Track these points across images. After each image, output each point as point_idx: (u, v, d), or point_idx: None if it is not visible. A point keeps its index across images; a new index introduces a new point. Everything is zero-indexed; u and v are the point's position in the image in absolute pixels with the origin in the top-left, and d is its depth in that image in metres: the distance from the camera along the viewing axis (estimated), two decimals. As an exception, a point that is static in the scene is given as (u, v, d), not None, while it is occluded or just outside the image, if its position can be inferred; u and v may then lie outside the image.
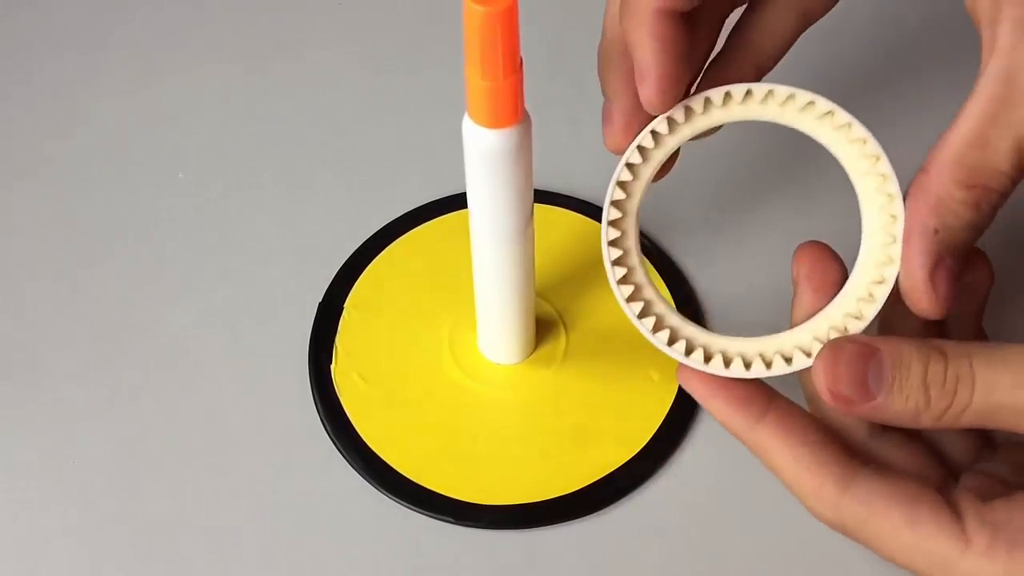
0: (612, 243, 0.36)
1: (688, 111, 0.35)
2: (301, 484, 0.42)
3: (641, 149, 0.36)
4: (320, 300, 0.46)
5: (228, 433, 0.43)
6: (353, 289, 0.47)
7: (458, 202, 0.48)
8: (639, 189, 0.36)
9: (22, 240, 0.49)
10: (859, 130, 0.35)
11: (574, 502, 0.41)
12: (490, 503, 0.41)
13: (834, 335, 0.35)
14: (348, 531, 0.41)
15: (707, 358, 0.36)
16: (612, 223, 0.36)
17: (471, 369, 0.44)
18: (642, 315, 0.36)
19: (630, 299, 0.36)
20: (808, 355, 0.35)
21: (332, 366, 0.45)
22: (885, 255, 0.35)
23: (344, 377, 0.44)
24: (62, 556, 0.41)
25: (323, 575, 0.40)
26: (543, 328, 0.45)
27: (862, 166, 0.35)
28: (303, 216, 0.50)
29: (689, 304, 0.46)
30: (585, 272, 0.47)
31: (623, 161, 0.36)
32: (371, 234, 0.48)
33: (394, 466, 0.42)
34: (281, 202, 0.50)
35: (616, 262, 0.36)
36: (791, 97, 0.35)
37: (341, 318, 0.46)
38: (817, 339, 0.36)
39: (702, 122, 0.36)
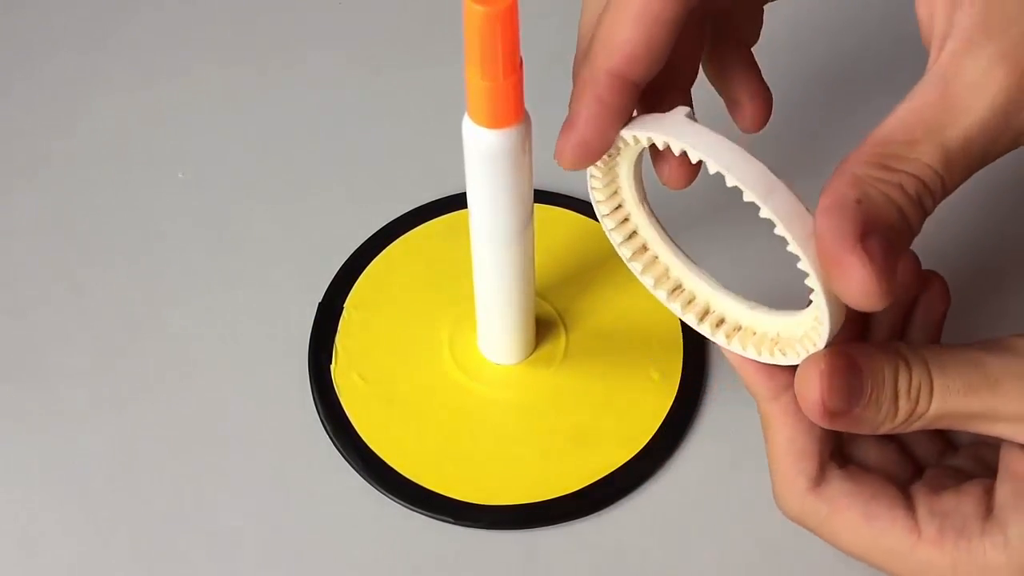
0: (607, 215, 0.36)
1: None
2: (301, 484, 0.42)
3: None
4: (320, 300, 0.46)
5: (228, 433, 0.43)
6: (353, 289, 0.47)
7: (458, 202, 0.48)
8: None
9: (22, 240, 0.49)
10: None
11: (574, 502, 0.41)
12: (490, 503, 0.41)
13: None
14: (348, 531, 0.41)
15: (744, 344, 0.36)
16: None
17: (471, 369, 0.44)
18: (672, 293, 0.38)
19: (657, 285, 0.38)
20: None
21: (332, 366, 0.45)
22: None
23: (344, 377, 0.44)
24: (62, 556, 0.41)
25: (322, 575, 0.40)
26: (543, 328, 0.45)
27: None
28: (303, 216, 0.50)
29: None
30: (585, 272, 0.47)
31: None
32: (371, 234, 0.48)
33: (394, 466, 0.42)
34: (281, 202, 0.50)
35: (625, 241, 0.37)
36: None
37: (341, 318, 0.46)
38: None
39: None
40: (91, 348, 0.46)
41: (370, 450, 0.43)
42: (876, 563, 0.35)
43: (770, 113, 0.40)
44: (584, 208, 0.49)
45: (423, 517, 0.41)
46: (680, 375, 0.44)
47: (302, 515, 0.41)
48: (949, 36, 0.32)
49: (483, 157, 0.36)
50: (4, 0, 0.58)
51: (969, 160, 0.31)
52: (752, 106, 0.40)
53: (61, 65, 0.55)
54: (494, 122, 0.35)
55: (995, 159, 0.32)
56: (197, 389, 0.44)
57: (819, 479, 0.36)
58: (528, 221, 0.39)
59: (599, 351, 0.45)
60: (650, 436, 0.43)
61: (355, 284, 0.47)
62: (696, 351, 0.45)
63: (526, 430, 0.43)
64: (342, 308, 0.46)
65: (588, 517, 0.41)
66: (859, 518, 0.35)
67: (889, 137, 0.31)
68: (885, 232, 0.30)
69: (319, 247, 0.48)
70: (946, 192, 0.31)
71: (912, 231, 0.31)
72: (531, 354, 0.45)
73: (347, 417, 0.43)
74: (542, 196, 0.49)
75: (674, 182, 0.37)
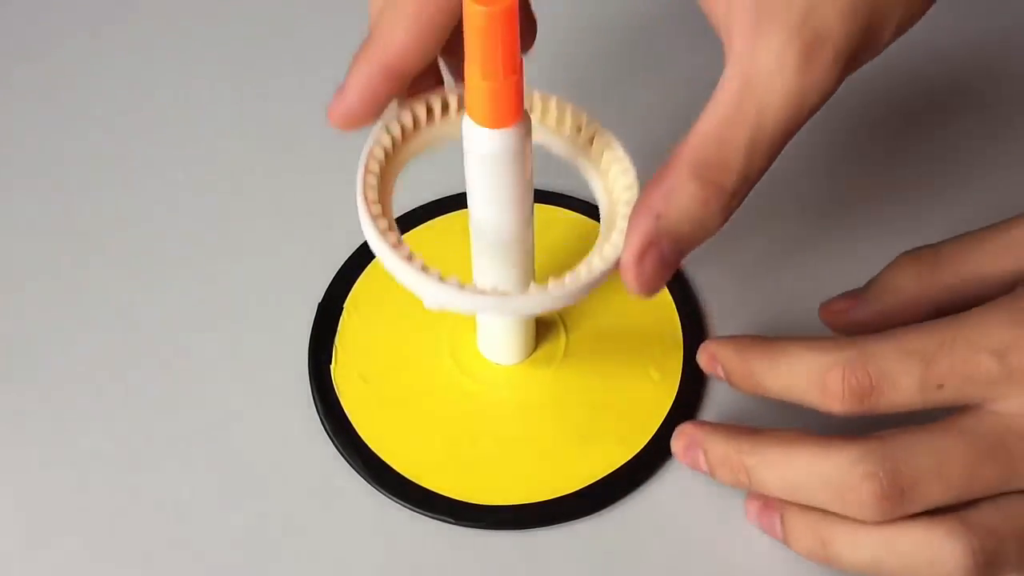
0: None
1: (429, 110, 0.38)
2: (301, 484, 0.42)
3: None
4: (320, 300, 0.46)
5: (227, 433, 0.43)
6: (353, 289, 0.47)
7: (458, 202, 0.48)
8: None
9: (22, 240, 0.49)
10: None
11: (575, 502, 0.41)
12: (490, 503, 0.41)
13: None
14: (348, 532, 0.41)
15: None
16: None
17: (471, 369, 0.44)
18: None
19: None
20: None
21: (332, 366, 0.45)
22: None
23: (344, 377, 0.44)
24: (62, 556, 0.41)
25: (322, 575, 0.40)
26: (543, 328, 0.45)
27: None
28: (303, 216, 0.50)
29: (688, 302, 0.46)
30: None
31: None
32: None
33: (394, 466, 0.42)
34: (281, 202, 0.50)
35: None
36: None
37: (341, 318, 0.46)
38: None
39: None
40: (91, 348, 0.46)
41: (370, 450, 0.43)
42: None
43: None
44: (584, 208, 0.49)
45: (423, 517, 0.41)
46: (680, 374, 0.44)
47: (302, 515, 0.41)
48: (736, 30, 0.33)
49: (483, 157, 0.36)
50: (4, 0, 0.58)
51: (774, 148, 0.34)
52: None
53: (60, 65, 0.55)
54: (494, 122, 0.35)
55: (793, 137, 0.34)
56: (197, 389, 0.44)
57: None
58: (528, 221, 0.39)
59: (599, 351, 0.45)
60: (651, 435, 0.43)
61: (355, 284, 0.47)
62: (696, 348, 0.45)
63: (526, 430, 0.43)
64: (342, 308, 0.46)
65: (589, 517, 0.41)
66: None
67: (702, 140, 0.34)
68: (674, 242, 0.34)
69: (319, 247, 0.48)
70: (751, 186, 0.34)
71: (707, 235, 0.34)
72: (531, 354, 0.45)
73: (347, 417, 0.43)
74: (542, 196, 0.49)
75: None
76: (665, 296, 0.46)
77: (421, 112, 0.38)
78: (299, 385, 0.44)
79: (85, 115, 0.53)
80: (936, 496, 0.36)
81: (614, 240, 0.36)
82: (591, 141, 0.39)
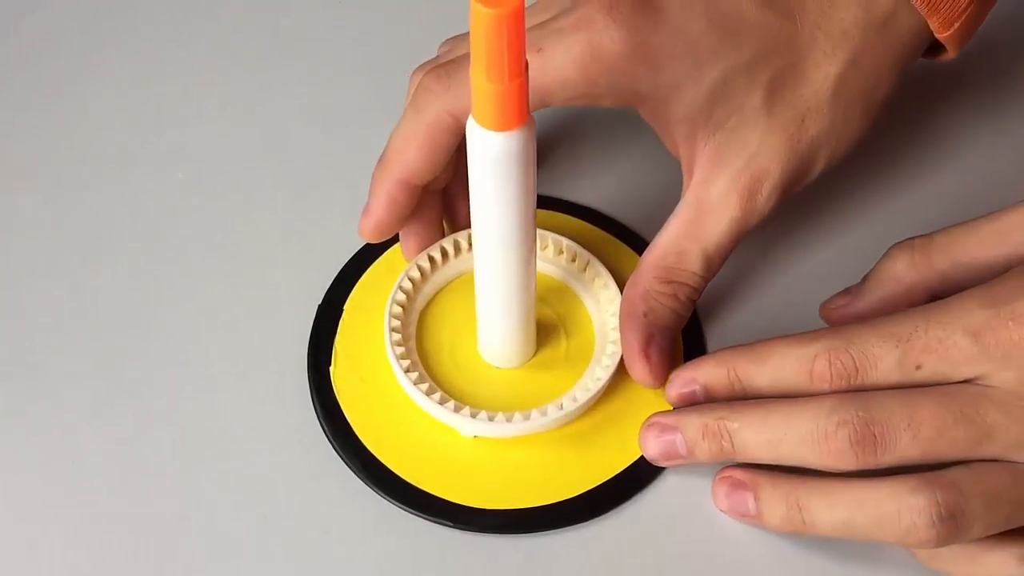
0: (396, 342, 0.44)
1: (444, 252, 0.45)
2: (300, 486, 0.42)
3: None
4: (320, 302, 0.46)
5: (227, 434, 0.43)
6: (353, 291, 0.47)
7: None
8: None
9: (22, 240, 0.49)
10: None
11: (576, 506, 0.41)
12: (491, 507, 0.41)
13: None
14: (348, 535, 0.41)
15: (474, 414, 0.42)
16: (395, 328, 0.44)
17: (471, 373, 0.44)
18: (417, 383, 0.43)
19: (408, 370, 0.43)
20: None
21: (331, 368, 0.44)
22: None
23: (343, 379, 0.44)
24: (62, 556, 0.41)
25: (323, 577, 0.40)
26: (543, 333, 0.45)
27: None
28: (303, 217, 0.50)
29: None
30: (586, 276, 0.47)
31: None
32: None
33: (393, 469, 0.42)
34: (281, 202, 0.50)
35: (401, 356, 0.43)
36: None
37: (341, 320, 0.46)
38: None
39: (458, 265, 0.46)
40: (91, 348, 0.46)
41: (369, 453, 0.42)
42: None
43: None
44: (584, 213, 0.49)
45: (423, 521, 0.41)
46: (680, 373, 0.44)
47: (301, 518, 0.41)
48: (695, 166, 0.43)
49: (487, 159, 0.36)
50: (4, 0, 0.58)
51: (723, 257, 0.43)
52: None
53: (60, 65, 0.55)
54: (499, 124, 0.35)
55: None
56: (196, 390, 0.44)
57: None
58: (531, 224, 0.39)
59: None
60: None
61: (355, 286, 0.47)
62: (695, 352, 0.45)
63: (526, 435, 0.43)
64: (342, 310, 0.46)
65: (590, 522, 0.41)
66: None
67: (665, 251, 0.43)
68: (663, 332, 0.43)
69: (319, 248, 0.48)
70: (708, 282, 0.44)
71: (683, 321, 0.44)
72: (532, 358, 0.45)
73: (346, 420, 0.43)
74: (543, 201, 0.49)
75: None
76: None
77: (437, 255, 0.46)
78: (298, 387, 0.44)
79: (85, 115, 0.53)
80: (907, 449, 0.37)
81: (606, 360, 0.43)
82: (584, 269, 0.46)
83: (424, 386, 0.43)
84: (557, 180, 0.50)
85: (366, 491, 0.42)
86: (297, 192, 0.50)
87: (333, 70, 0.55)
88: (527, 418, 0.42)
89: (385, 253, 0.48)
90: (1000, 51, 0.55)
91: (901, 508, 0.37)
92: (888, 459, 0.37)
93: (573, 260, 0.46)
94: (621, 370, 0.43)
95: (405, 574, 0.41)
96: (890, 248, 0.44)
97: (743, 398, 0.40)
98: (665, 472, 0.42)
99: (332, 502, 0.42)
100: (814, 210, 0.49)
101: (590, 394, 0.42)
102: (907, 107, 0.53)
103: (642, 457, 0.42)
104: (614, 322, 0.44)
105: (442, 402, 0.42)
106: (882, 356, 0.38)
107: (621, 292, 0.44)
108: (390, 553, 0.41)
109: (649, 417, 0.41)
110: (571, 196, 0.49)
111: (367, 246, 0.48)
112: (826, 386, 0.39)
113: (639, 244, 0.48)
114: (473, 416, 0.42)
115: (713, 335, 0.46)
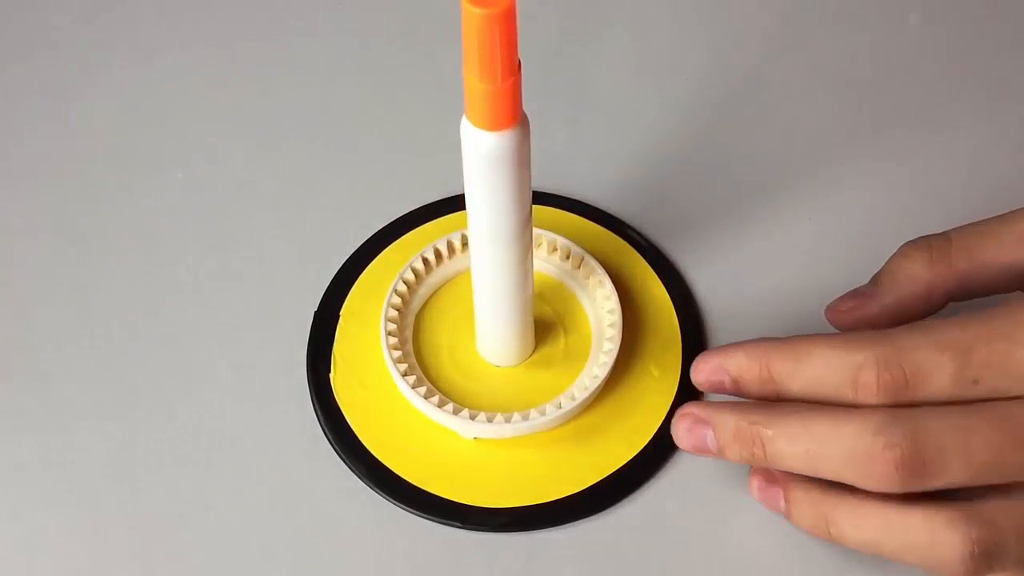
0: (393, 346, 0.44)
1: (438, 253, 0.46)
2: (304, 492, 0.42)
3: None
4: (316, 309, 0.46)
5: (230, 443, 0.43)
6: (349, 295, 0.46)
7: (455, 204, 0.48)
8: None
9: (22, 240, 0.49)
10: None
11: (577, 503, 0.41)
12: (494, 506, 0.41)
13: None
14: (353, 537, 0.41)
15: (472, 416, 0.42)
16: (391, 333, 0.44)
17: (471, 372, 0.44)
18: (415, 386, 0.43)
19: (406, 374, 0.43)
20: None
21: (331, 375, 0.44)
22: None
23: (344, 386, 0.44)
24: (61, 557, 0.41)
25: (325, 578, 0.41)
26: (542, 330, 0.45)
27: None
28: (300, 220, 0.49)
29: (687, 304, 0.46)
30: (584, 273, 0.47)
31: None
32: (368, 237, 0.48)
33: (398, 472, 0.42)
34: (281, 203, 0.50)
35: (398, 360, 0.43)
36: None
37: (338, 326, 0.46)
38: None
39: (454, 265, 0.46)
40: (91, 349, 0.46)
41: (373, 456, 0.42)
42: None
43: None
44: (582, 209, 0.49)
45: (428, 522, 0.41)
46: (680, 370, 0.44)
47: (308, 525, 0.41)
48: None
49: (481, 159, 0.36)
50: (5, 2, 0.58)
51: None
52: None
53: (60, 64, 0.55)
54: (492, 124, 0.35)
55: None
56: (197, 398, 0.44)
57: None
58: (527, 223, 0.39)
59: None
60: (653, 433, 0.43)
61: (350, 291, 0.47)
62: (695, 345, 0.45)
63: (528, 432, 0.43)
64: (339, 315, 0.46)
65: (591, 518, 0.41)
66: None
67: None
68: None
69: (316, 252, 0.48)
70: None
71: None
72: (530, 356, 0.45)
73: (348, 425, 0.43)
74: (540, 197, 0.49)
75: None
76: (663, 294, 0.46)
77: (431, 256, 0.46)
78: (299, 395, 0.44)
79: (84, 114, 0.53)
80: (957, 474, 0.35)
81: (602, 357, 0.43)
82: (579, 267, 0.45)
83: (422, 389, 0.43)
84: (556, 175, 0.50)
85: (371, 494, 0.42)
86: (296, 193, 0.50)
87: (331, 71, 0.55)
88: (526, 418, 0.42)
89: (381, 254, 0.48)
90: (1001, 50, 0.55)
91: (935, 540, 0.35)
92: (935, 485, 0.35)
93: (567, 258, 0.46)
94: (618, 367, 0.43)
95: (409, 573, 0.41)
96: (903, 247, 0.41)
97: (775, 398, 0.38)
98: (668, 466, 0.42)
99: (338, 507, 0.42)
100: (815, 208, 0.49)
101: (588, 392, 0.43)
102: (907, 106, 0.53)
103: (642, 452, 0.42)
104: (610, 319, 0.44)
105: (441, 405, 0.42)
106: (937, 369, 0.35)
107: (616, 288, 0.44)
108: (397, 555, 0.41)
109: (683, 406, 0.39)
110: (566, 191, 0.49)
111: (362, 248, 0.48)
112: (872, 398, 0.36)
113: (634, 239, 0.48)
114: (472, 418, 0.42)
115: (713, 337, 0.46)
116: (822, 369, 0.37)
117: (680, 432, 0.39)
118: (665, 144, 0.51)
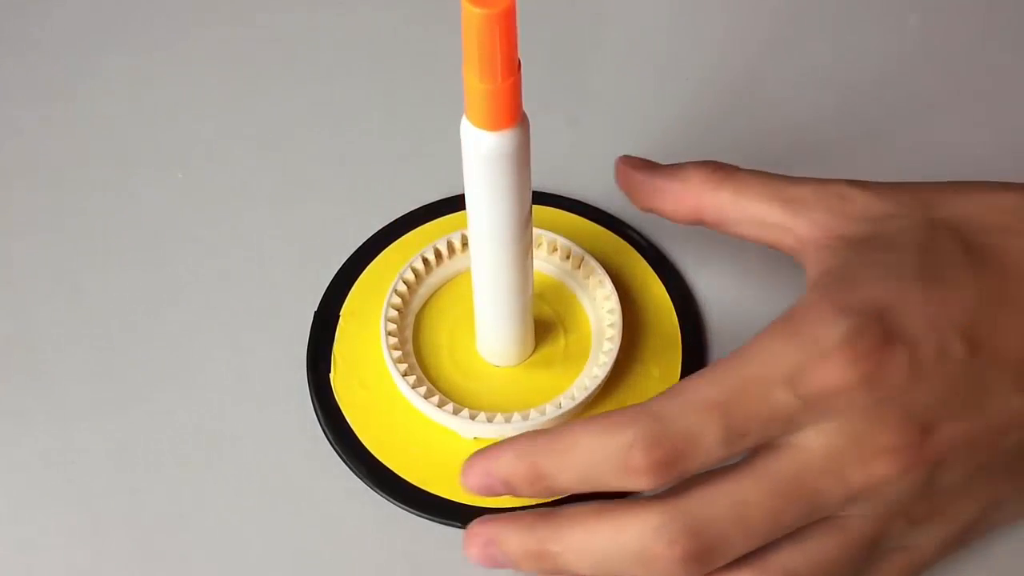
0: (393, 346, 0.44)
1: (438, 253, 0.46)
2: (304, 492, 0.42)
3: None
4: (315, 309, 0.46)
5: (230, 443, 0.43)
6: (349, 295, 0.46)
7: (455, 204, 0.48)
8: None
9: (22, 240, 0.49)
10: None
11: (580, 503, 0.41)
12: (494, 506, 0.41)
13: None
14: (353, 537, 0.41)
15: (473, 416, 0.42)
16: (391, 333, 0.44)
17: (471, 372, 0.44)
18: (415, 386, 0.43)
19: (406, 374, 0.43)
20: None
21: (331, 375, 0.44)
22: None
23: (344, 386, 0.44)
24: (62, 556, 0.41)
25: (325, 578, 0.40)
26: (542, 330, 0.45)
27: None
28: (300, 220, 0.49)
29: (687, 304, 0.46)
30: (584, 273, 0.47)
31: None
32: (368, 237, 0.48)
33: (398, 472, 0.42)
34: (280, 204, 0.50)
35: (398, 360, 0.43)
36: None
37: (338, 326, 0.46)
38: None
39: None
40: (90, 349, 0.46)
41: (373, 456, 0.42)
42: None
43: None
44: (582, 210, 0.49)
45: (429, 523, 0.41)
46: (680, 371, 0.44)
47: (309, 526, 0.41)
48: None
49: (481, 159, 0.36)
50: (4, 0, 0.58)
51: None
52: None
53: (59, 64, 0.55)
54: (492, 124, 0.35)
55: None
56: (197, 398, 0.44)
57: None
58: (527, 223, 0.39)
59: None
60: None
61: (350, 291, 0.47)
62: (695, 345, 0.45)
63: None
64: (338, 315, 0.46)
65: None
66: None
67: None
68: None
69: (316, 252, 0.48)
70: None
71: None
72: (530, 356, 0.45)
73: (349, 425, 0.43)
74: (540, 197, 0.49)
75: None
76: (663, 294, 0.46)
77: (431, 256, 0.46)
78: (299, 395, 0.44)
79: (84, 114, 0.53)
80: (740, 548, 0.35)
81: (602, 357, 0.43)
82: (578, 267, 0.46)
83: (422, 389, 0.43)
84: (556, 175, 0.50)
85: (372, 495, 0.42)
86: (296, 193, 0.50)
87: (331, 71, 0.55)
88: (526, 418, 0.42)
89: (381, 254, 0.48)
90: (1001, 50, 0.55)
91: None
92: (723, 561, 0.35)
93: (567, 258, 0.46)
94: (618, 367, 0.43)
95: (409, 573, 0.41)
96: (707, 166, 0.42)
97: (551, 495, 0.37)
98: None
99: (338, 507, 0.42)
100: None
101: (587, 392, 0.43)
102: (907, 107, 0.53)
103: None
104: (610, 319, 0.44)
105: (441, 405, 0.42)
106: (703, 434, 0.34)
107: (616, 289, 0.44)
108: (398, 555, 0.41)
109: (472, 523, 0.38)
110: (566, 191, 0.49)
111: (362, 248, 0.48)
112: (646, 483, 0.35)
113: (634, 239, 0.48)
114: (472, 418, 0.42)
115: (713, 337, 0.46)
116: (590, 457, 0.35)
117: (473, 553, 0.38)
118: (665, 144, 0.51)
